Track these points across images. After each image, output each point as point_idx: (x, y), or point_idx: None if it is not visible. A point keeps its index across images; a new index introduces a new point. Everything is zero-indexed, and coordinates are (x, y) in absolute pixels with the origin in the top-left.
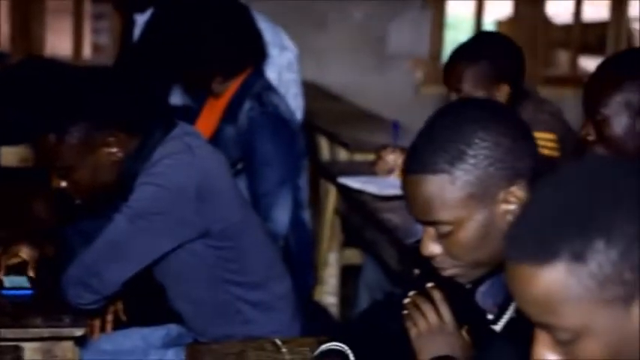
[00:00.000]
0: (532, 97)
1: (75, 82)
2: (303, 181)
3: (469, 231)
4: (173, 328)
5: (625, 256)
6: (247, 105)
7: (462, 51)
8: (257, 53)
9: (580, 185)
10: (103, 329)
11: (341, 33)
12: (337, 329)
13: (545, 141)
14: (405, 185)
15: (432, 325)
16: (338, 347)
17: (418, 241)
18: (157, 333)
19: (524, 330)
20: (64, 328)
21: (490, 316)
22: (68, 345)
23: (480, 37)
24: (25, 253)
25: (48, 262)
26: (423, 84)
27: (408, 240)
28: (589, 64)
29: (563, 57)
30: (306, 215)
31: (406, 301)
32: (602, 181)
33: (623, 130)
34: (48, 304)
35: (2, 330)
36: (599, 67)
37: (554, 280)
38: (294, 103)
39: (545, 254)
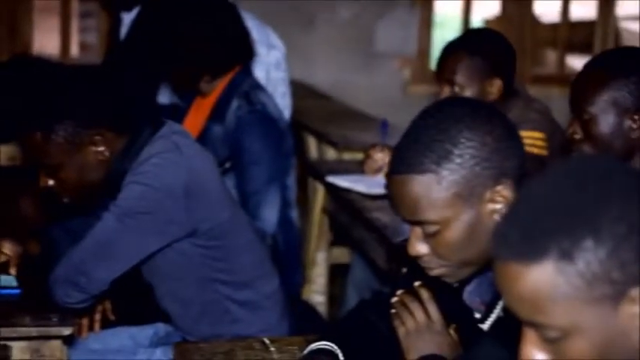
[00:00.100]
0: (521, 95)
1: (62, 80)
2: (292, 180)
3: (456, 231)
4: (161, 327)
5: (613, 254)
6: (235, 104)
7: (457, 43)
8: (245, 52)
9: (569, 184)
10: (91, 328)
11: (329, 32)
12: (326, 328)
13: (534, 140)
14: (391, 185)
15: (419, 324)
16: (327, 347)
17: (406, 240)
18: (145, 332)
19: (511, 329)
20: (52, 327)
21: (477, 315)
22: (56, 344)
23: (475, 31)
24: (7, 249)
25: (33, 260)
26: (410, 83)
27: (396, 239)
28: (576, 63)
29: (550, 56)
30: (295, 214)
31: (394, 299)
32: (590, 180)
33: (610, 129)
34: (36, 303)
35: None
36: (586, 66)
37: (543, 279)
38: (282, 101)
39: (533, 252)
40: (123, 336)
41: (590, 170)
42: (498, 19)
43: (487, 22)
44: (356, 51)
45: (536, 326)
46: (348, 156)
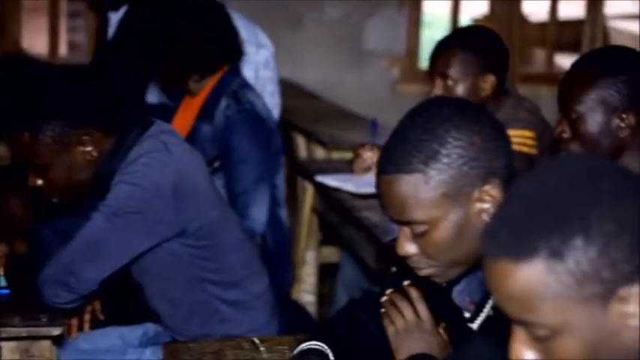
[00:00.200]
0: (511, 94)
1: (49, 80)
2: (281, 180)
3: (444, 230)
4: (151, 327)
5: (603, 253)
6: (224, 103)
7: (452, 39)
8: (233, 51)
9: (559, 182)
10: (80, 328)
11: (317, 31)
12: (315, 328)
13: (524, 138)
14: (379, 185)
15: (409, 323)
16: (317, 346)
17: (395, 240)
18: (134, 332)
19: (501, 328)
20: (41, 328)
21: (467, 314)
22: (46, 344)
23: (470, 28)
24: None
25: (22, 260)
26: (399, 82)
27: (385, 238)
28: (565, 62)
29: (539, 55)
30: (284, 213)
31: (383, 299)
32: (580, 179)
33: (598, 128)
34: (25, 304)
35: None
36: (574, 65)
37: (532, 277)
38: (271, 101)
39: (523, 251)
40: (112, 336)
41: (580, 169)
42: (487, 19)
43: (475, 21)
44: (345, 50)
45: (525, 325)
46: (337, 155)
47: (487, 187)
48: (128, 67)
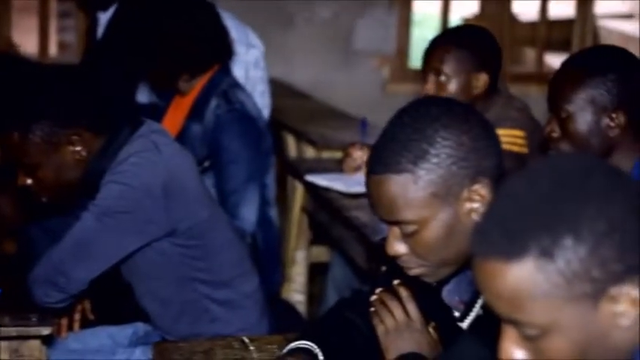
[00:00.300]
0: (501, 93)
1: (39, 80)
2: (271, 179)
3: (433, 230)
4: (140, 327)
5: (593, 253)
6: (214, 103)
7: (447, 36)
8: (223, 51)
9: (549, 182)
10: (70, 328)
11: (308, 31)
12: (305, 327)
13: (515, 138)
14: (369, 185)
15: (399, 323)
16: (306, 345)
17: (385, 239)
18: (124, 332)
19: (491, 327)
20: (31, 327)
21: (457, 314)
22: (35, 344)
23: (465, 26)
24: None
25: (11, 259)
26: (389, 81)
27: (375, 237)
28: (555, 61)
29: (529, 54)
30: (274, 213)
31: (373, 298)
32: (570, 178)
33: (588, 127)
34: (15, 303)
35: None
36: (564, 64)
37: (522, 276)
38: (261, 100)
39: (513, 250)
40: (102, 335)
41: (570, 168)
42: (477, 18)
43: (466, 20)
44: (335, 50)
45: (515, 324)
46: (327, 155)
47: (476, 187)
48: (118, 66)
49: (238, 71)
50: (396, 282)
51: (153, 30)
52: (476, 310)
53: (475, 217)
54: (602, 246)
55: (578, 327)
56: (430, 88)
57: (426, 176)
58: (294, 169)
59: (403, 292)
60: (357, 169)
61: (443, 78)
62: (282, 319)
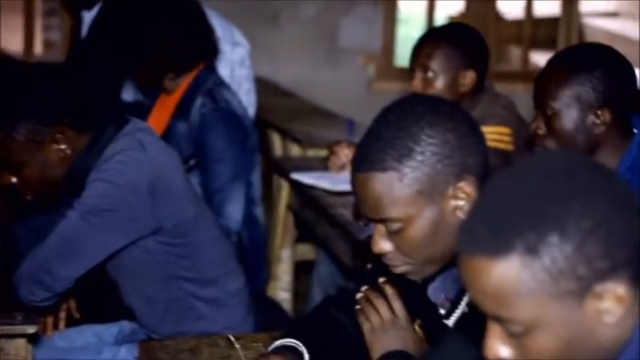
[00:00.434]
0: (487, 91)
1: (22, 78)
2: (256, 177)
3: (419, 228)
4: (126, 325)
5: (579, 250)
6: (199, 101)
7: (436, 32)
8: (209, 49)
9: (535, 179)
10: (56, 326)
11: (293, 29)
12: (291, 325)
13: (501, 135)
14: (354, 183)
15: (384, 320)
16: (292, 343)
17: (370, 237)
18: (110, 330)
19: (476, 325)
20: (16, 326)
21: (442, 311)
22: (21, 342)
23: (453, 24)
24: None
25: None
26: (375, 79)
27: (360, 235)
28: (540, 59)
29: (514, 52)
30: (259, 211)
31: (359, 296)
32: (556, 176)
33: (573, 124)
34: (0, 302)
35: None
36: (550, 62)
37: (508, 273)
38: (247, 99)
39: (499, 247)
40: (88, 334)
41: (556, 166)
42: (462, 16)
43: (451, 18)
44: (320, 48)
45: (500, 321)
46: (312, 153)
47: (461, 185)
48: (103, 65)
49: (224, 70)
50: (381, 280)
51: (138, 28)
52: (461, 307)
53: (460, 214)
54: (588, 243)
55: (564, 324)
56: (417, 84)
57: (411, 174)
58: (280, 168)
59: (389, 290)
60: (342, 167)
61: (430, 74)
62: (267, 317)
